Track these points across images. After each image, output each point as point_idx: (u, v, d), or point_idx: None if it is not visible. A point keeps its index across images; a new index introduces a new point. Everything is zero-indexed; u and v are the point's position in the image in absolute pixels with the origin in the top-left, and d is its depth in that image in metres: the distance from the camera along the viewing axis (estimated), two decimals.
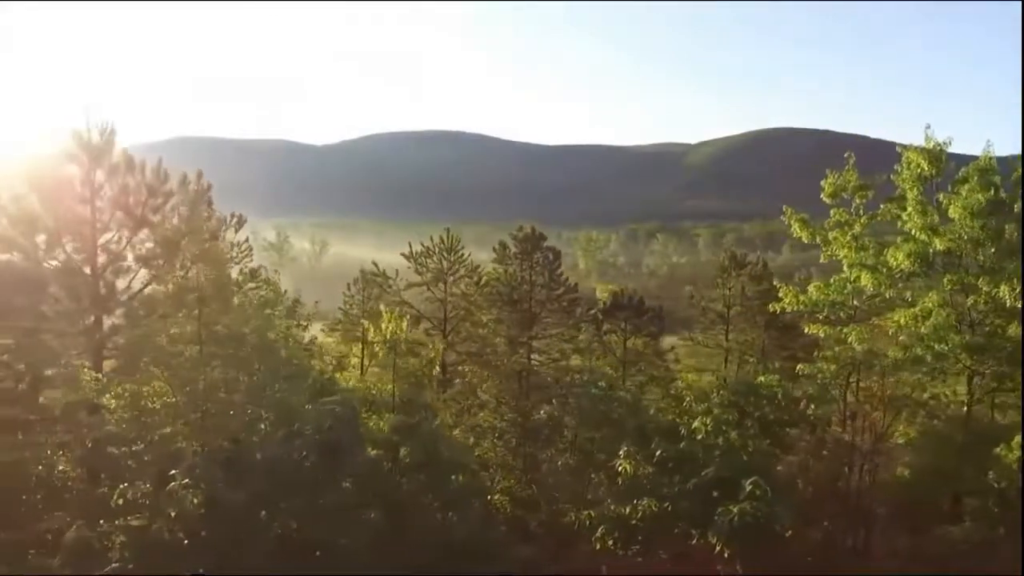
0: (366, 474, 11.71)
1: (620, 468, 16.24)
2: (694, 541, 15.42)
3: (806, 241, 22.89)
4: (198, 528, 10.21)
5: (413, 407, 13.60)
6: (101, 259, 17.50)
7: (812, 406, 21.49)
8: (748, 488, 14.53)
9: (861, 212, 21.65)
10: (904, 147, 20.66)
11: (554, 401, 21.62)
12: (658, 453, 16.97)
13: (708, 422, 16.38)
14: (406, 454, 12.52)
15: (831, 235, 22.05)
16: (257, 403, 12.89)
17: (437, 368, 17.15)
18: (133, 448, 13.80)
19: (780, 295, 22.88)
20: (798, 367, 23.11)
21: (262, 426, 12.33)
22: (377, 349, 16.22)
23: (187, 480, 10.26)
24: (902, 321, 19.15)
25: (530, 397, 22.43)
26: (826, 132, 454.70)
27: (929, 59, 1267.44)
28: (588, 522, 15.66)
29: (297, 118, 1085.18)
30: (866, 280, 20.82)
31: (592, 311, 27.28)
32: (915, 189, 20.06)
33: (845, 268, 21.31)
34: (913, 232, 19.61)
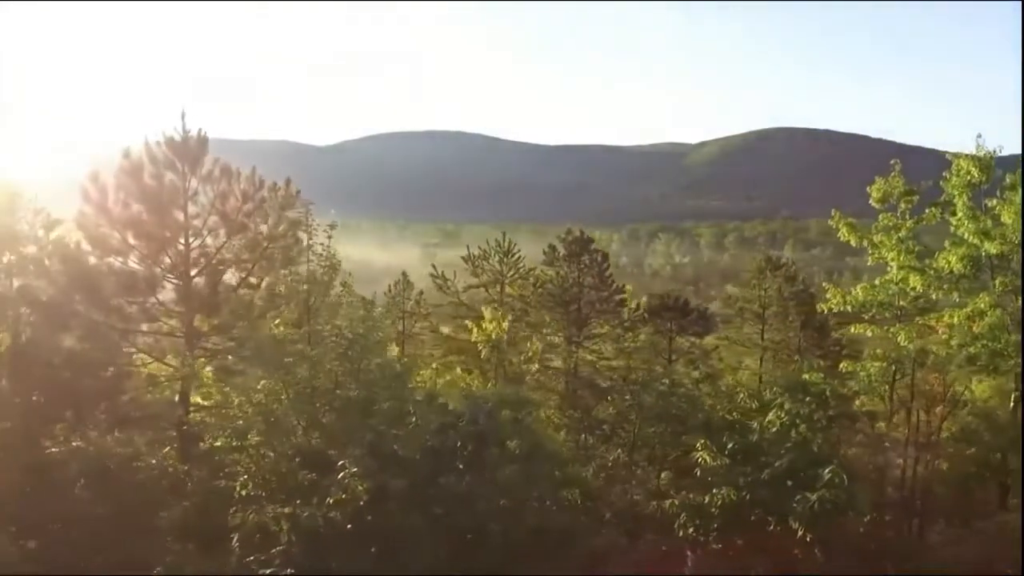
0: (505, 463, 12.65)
1: (699, 459, 17.15)
2: (771, 528, 16.34)
3: (853, 245, 23.89)
4: (365, 513, 11.07)
5: (517, 402, 14.46)
6: (198, 262, 18.40)
7: (857, 402, 22.63)
8: (827, 477, 15.50)
9: (907, 216, 22.66)
10: (955, 155, 21.61)
11: (612, 397, 22.49)
12: (729, 446, 17.95)
13: (783, 416, 17.30)
14: (516, 446, 13.40)
15: (877, 238, 23.09)
16: (372, 401, 13.71)
17: (536, 365, 18.01)
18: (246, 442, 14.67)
19: (828, 295, 23.97)
20: (841, 364, 24.20)
21: (413, 419, 13.15)
22: (480, 347, 17.09)
23: (356, 469, 11.12)
24: (955, 320, 20.16)
25: (590, 394, 23.37)
26: (827, 132, 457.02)
27: (929, 59, 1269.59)
28: (672, 510, 16.56)
29: (298, 118, 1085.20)
30: (915, 282, 21.84)
31: (640, 312, 28.23)
32: (964, 195, 21.07)
33: (894, 270, 22.30)
34: (965, 236, 20.62)
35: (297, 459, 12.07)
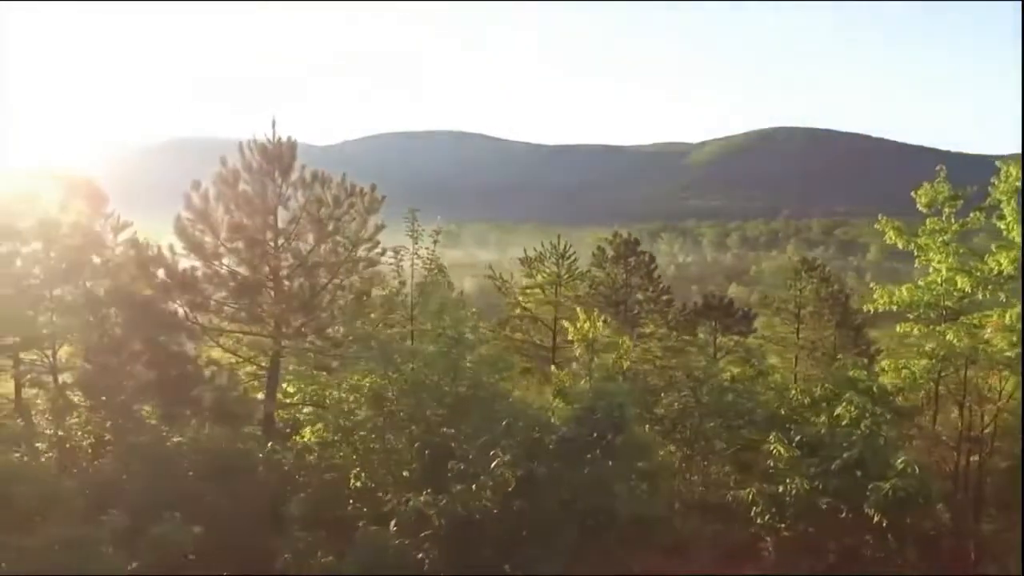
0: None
1: (773, 451, 18.12)
2: (843, 516, 17.33)
3: (901, 248, 24.90)
4: (512, 500, 12.01)
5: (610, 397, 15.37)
6: (292, 265, 19.34)
7: (899, 398, 23.65)
8: (900, 466, 16.49)
9: (952, 220, 23.68)
10: (1005, 161, 22.61)
11: (671, 393, 23.41)
12: (797, 438, 18.94)
13: (852, 409, 18.29)
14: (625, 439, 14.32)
15: (922, 241, 24.11)
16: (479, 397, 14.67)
17: (627, 363, 18.95)
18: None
19: (875, 295, 24.98)
20: (883, 363, 25.21)
21: (550, 412, 14.09)
22: (576, 346, 18.04)
23: (508, 457, 12.07)
24: (1008, 319, 21.16)
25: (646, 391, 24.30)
26: (827, 131, 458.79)
27: (929, 58, 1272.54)
28: (748, 499, 17.54)
29: (298, 119, 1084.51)
30: (962, 283, 22.85)
31: (686, 312, 29.22)
32: (1013, 200, 22.08)
33: (943, 271, 23.30)
34: (1014, 238, 21.63)
35: (427, 451, 12.97)
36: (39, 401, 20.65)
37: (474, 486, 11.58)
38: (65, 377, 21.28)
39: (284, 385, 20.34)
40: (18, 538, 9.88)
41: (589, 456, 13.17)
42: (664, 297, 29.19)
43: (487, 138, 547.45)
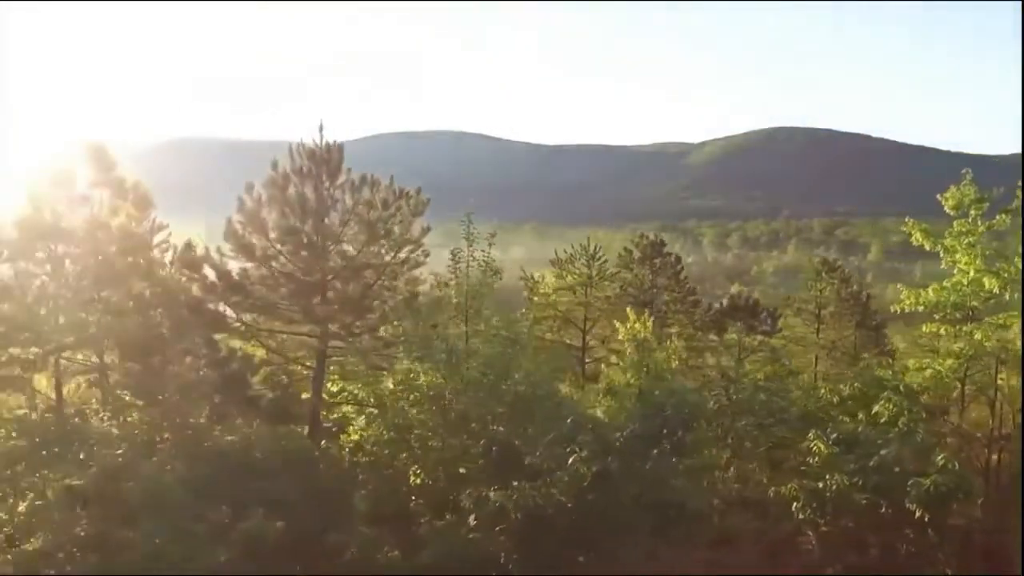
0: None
1: (813, 447, 18.58)
2: (882, 511, 17.80)
3: (928, 249, 25.37)
4: (585, 493, 12.48)
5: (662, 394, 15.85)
6: (338, 267, 19.78)
7: (925, 396, 24.13)
8: (940, 462, 16.98)
9: (979, 222, 24.17)
10: None
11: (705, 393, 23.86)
12: (833, 436, 19.41)
13: (891, 407, 18.76)
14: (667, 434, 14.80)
15: (948, 243, 24.60)
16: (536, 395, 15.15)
17: (676, 362, 19.40)
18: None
19: (902, 296, 25.47)
20: (910, 362, 25.69)
21: (626, 408, 14.59)
22: (626, 345, 18.48)
23: (585, 452, 12.55)
24: None
25: None
26: (828, 131, 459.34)
27: (929, 58, 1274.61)
28: (790, 494, 17.99)
29: (298, 119, 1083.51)
30: (990, 283, 23.33)
31: (712, 312, 29.69)
32: None
33: (971, 272, 23.77)
34: None
35: (494, 448, 13.43)
36: (94, 401, 21.05)
37: (549, 480, 12.03)
38: (115, 377, 21.74)
39: (327, 384, 20.78)
40: (125, 531, 10.30)
41: (656, 452, 13.62)
42: (691, 298, 29.63)
43: (487, 138, 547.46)
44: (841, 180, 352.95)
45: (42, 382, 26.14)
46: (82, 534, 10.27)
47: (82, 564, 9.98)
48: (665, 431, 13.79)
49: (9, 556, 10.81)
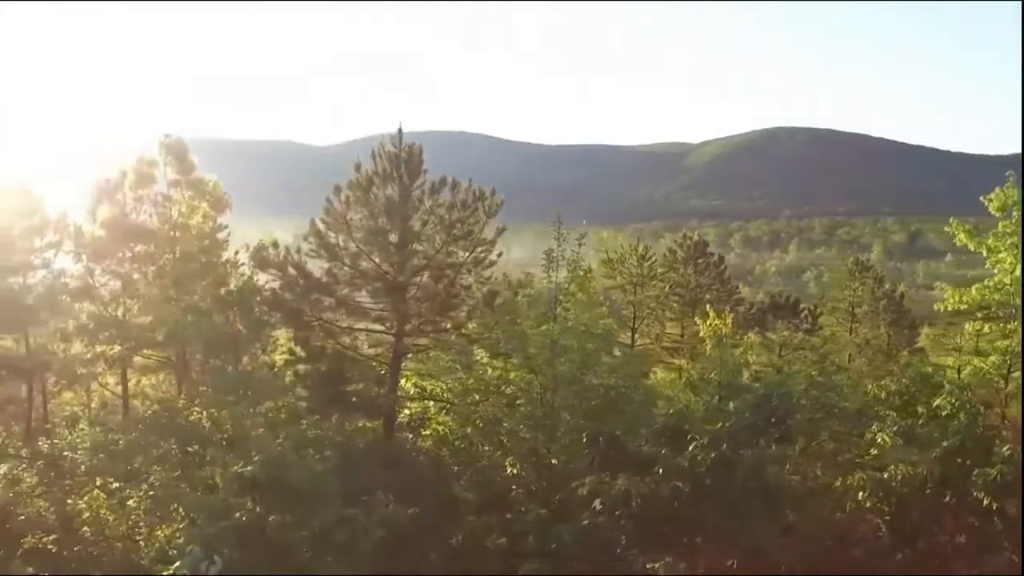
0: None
1: (879, 439, 19.36)
2: (947, 500, 18.59)
3: (973, 249, 26.21)
4: (702, 480, 13.28)
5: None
6: (420, 266, 20.54)
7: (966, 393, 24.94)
8: (1006, 453, 17.78)
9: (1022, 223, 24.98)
10: None
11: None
12: (894, 429, 20.21)
13: (954, 401, 19.57)
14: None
15: (992, 243, 25.44)
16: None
17: (752, 358, 20.18)
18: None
19: (945, 295, 26.30)
20: (951, 359, 26.57)
21: (711, 402, 15.40)
22: (707, 341, 19.26)
23: (704, 442, 13.36)
24: None
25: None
26: (828, 131, 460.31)
27: (929, 58, 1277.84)
28: (857, 484, 18.77)
29: (298, 118, 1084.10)
30: None
31: (754, 310, 30.49)
32: None
33: (1017, 270, 24.61)
34: None
35: (600, 438, 14.18)
36: (179, 396, 21.75)
37: (662, 470, 12.85)
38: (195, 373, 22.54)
39: (403, 382, 21.52)
40: (290, 516, 11.04)
41: (761, 441, 14.42)
42: (734, 297, 30.44)
43: (487, 138, 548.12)
44: (842, 180, 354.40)
45: (107, 379, 26.92)
46: (247, 520, 10.98)
47: (252, 548, 10.69)
48: (773, 420, 14.58)
49: (179, 539, 11.55)
